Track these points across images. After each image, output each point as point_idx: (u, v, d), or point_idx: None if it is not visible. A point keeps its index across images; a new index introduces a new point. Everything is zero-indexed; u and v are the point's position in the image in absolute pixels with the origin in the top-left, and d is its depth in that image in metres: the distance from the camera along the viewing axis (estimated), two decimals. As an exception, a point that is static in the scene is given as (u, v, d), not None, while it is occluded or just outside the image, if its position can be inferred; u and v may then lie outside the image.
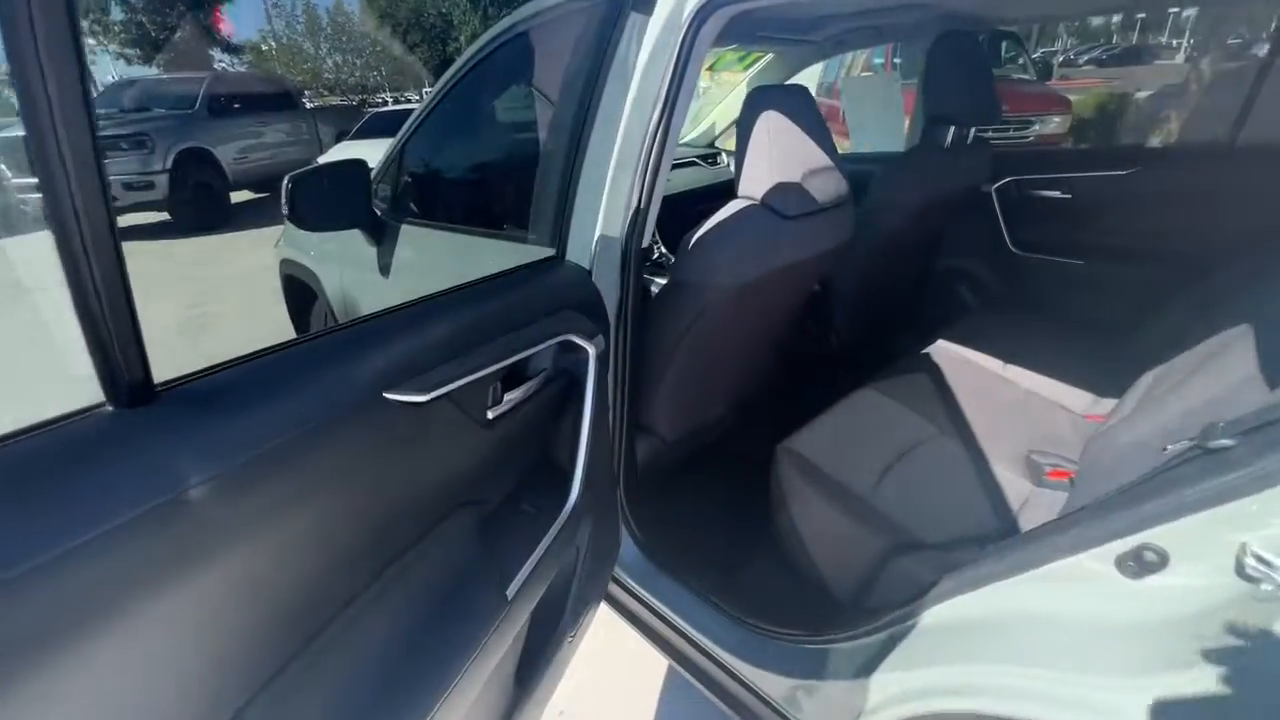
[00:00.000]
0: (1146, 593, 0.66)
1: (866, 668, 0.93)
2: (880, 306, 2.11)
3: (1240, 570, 0.58)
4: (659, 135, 1.06)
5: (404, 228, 1.71)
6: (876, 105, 2.46)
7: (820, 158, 1.24)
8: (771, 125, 1.18)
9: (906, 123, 2.20)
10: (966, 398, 1.56)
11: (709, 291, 1.24)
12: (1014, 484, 1.30)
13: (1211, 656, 0.61)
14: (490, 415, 0.82)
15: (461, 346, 0.76)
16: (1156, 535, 0.63)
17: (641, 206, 1.10)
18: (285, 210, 1.53)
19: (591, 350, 0.93)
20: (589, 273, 1.09)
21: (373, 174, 1.93)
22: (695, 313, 1.28)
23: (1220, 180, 1.72)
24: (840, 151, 2.16)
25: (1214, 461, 0.65)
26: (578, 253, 1.11)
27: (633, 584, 1.37)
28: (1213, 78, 7.38)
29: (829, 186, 1.26)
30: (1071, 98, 7.41)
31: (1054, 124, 6.82)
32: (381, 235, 1.79)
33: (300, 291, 2.45)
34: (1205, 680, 0.61)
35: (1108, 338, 1.86)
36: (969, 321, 1.92)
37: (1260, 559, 0.56)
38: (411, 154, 1.75)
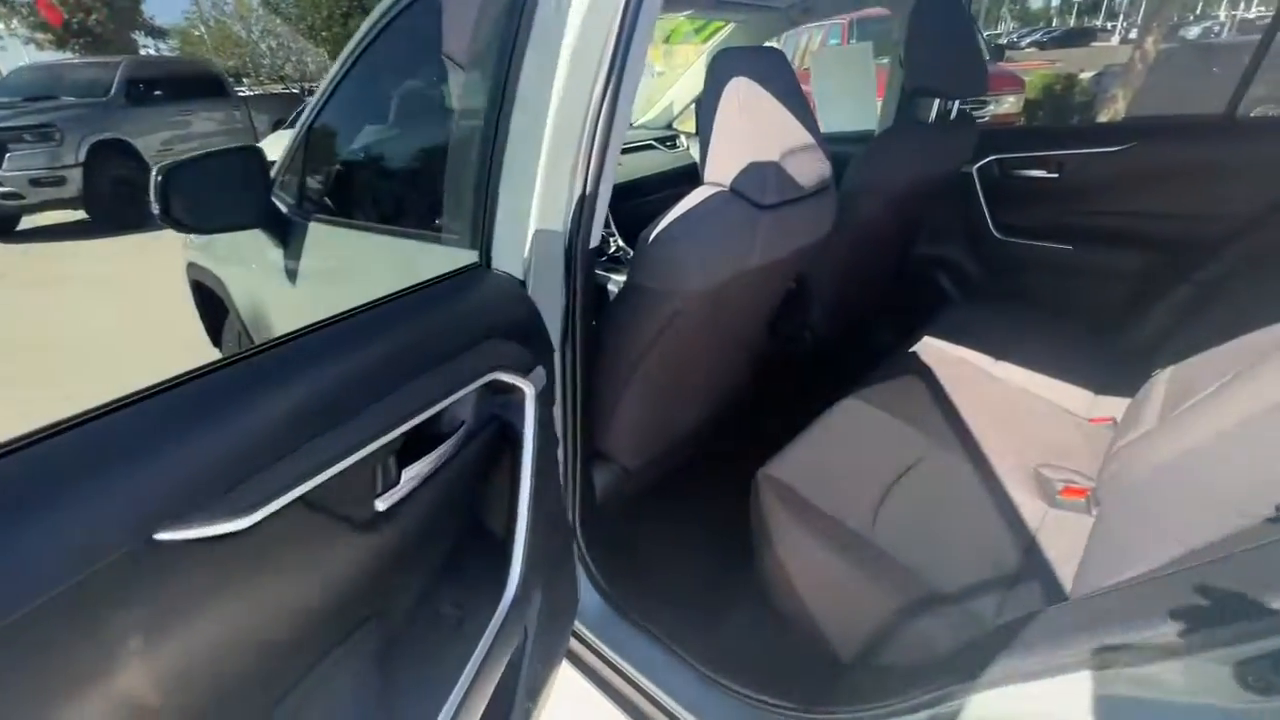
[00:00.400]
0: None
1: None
2: (858, 301, 1.94)
3: None
4: (604, 109, 0.84)
5: (312, 226, 1.45)
6: (848, 80, 2.28)
7: (800, 134, 1.04)
8: (742, 95, 0.97)
9: (879, 105, 2.03)
10: (960, 402, 1.40)
11: (676, 298, 1.03)
12: (1027, 505, 1.14)
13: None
14: (381, 506, 0.59)
15: (330, 413, 0.53)
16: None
17: (586, 194, 0.88)
18: (156, 209, 1.26)
19: (529, 389, 0.71)
20: (522, 283, 0.87)
21: (278, 163, 1.65)
22: (660, 323, 1.07)
23: (1219, 155, 1.60)
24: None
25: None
26: (507, 257, 0.88)
27: (595, 640, 1.16)
28: (1157, 57, 7.50)
29: (811, 168, 1.07)
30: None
31: (1008, 104, 6.83)
32: (287, 235, 1.52)
33: (212, 304, 2.15)
34: None
35: (1102, 328, 1.72)
36: (953, 314, 1.76)
37: None
38: (316, 140, 1.49)
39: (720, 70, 0.98)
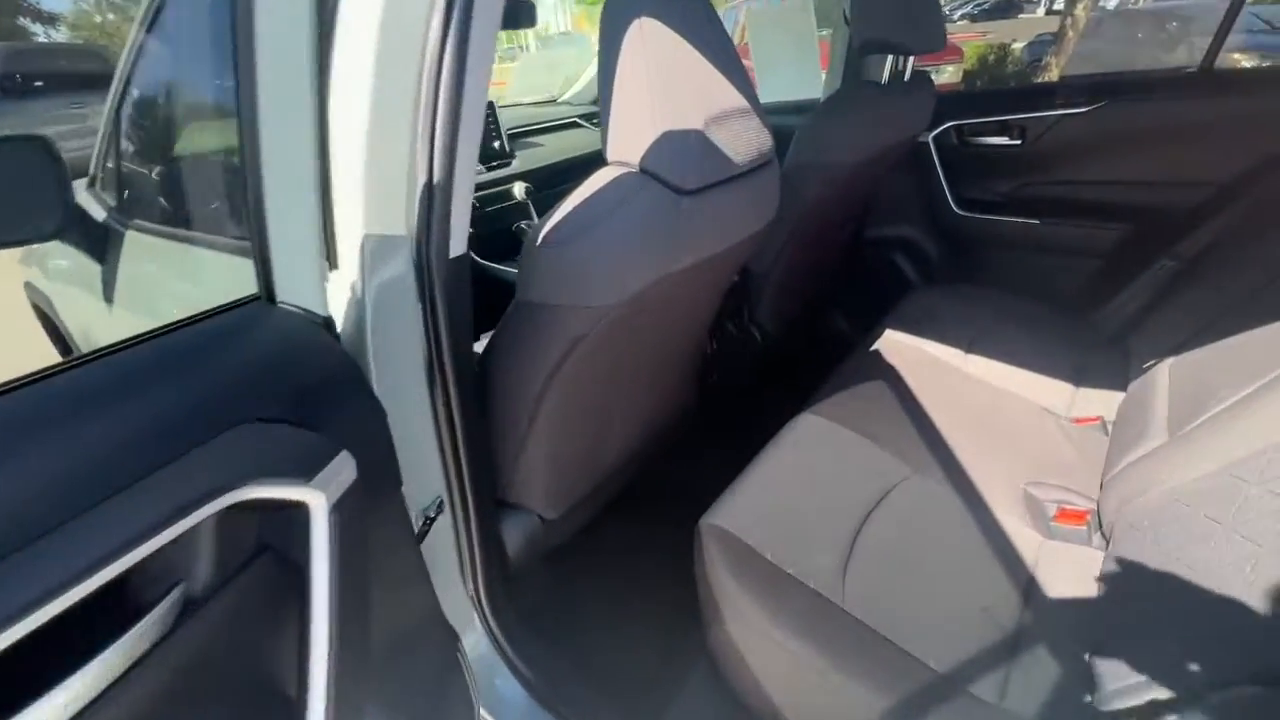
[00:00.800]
0: None
1: None
2: (809, 292, 1.73)
3: None
4: (445, 72, 0.59)
5: (129, 234, 1.14)
6: (786, 41, 2.05)
7: (730, 94, 0.80)
8: (649, 45, 0.73)
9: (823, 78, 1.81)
10: (932, 409, 1.20)
11: (578, 317, 0.79)
12: (1020, 538, 0.95)
13: None
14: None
15: None
16: None
17: (435, 186, 0.63)
18: None
19: (316, 501, 0.45)
20: (326, 321, 0.61)
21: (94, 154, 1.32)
22: (561, 348, 0.83)
23: (1199, 112, 1.43)
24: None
25: None
26: (301, 285, 0.61)
27: None
28: (1088, 23, 7.58)
29: (747, 139, 0.83)
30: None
31: (948, 73, 6.76)
32: (105, 246, 1.20)
33: (54, 333, 1.79)
34: None
35: (1076, 311, 1.56)
36: (915, 302, 1.57)
37: None
38: (125, 127, 1.17)
39: (617, 12, 0.73)
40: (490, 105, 1.73)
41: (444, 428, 0.77)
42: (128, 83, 1.12)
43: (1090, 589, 0.86)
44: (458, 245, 0.68)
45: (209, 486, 0.38)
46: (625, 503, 1.25)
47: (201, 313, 0.53)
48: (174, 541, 0.37)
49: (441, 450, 0.80)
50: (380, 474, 0.59)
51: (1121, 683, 0.71)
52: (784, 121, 1.40)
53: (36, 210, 1.12)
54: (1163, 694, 0.68)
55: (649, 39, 0.72)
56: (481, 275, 1.32)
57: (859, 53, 1.33)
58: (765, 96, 1.02)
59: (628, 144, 0.75)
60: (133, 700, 0.34)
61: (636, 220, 0.74)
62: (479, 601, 0.93)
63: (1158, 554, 0.80)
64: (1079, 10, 7.66)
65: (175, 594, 0.37)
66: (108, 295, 1.19)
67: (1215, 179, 1.41)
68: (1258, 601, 0.66)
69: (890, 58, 1.36)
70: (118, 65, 1.17)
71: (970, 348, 1.39)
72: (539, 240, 0.75)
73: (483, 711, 0.94)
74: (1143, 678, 0.70)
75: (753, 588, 0.85)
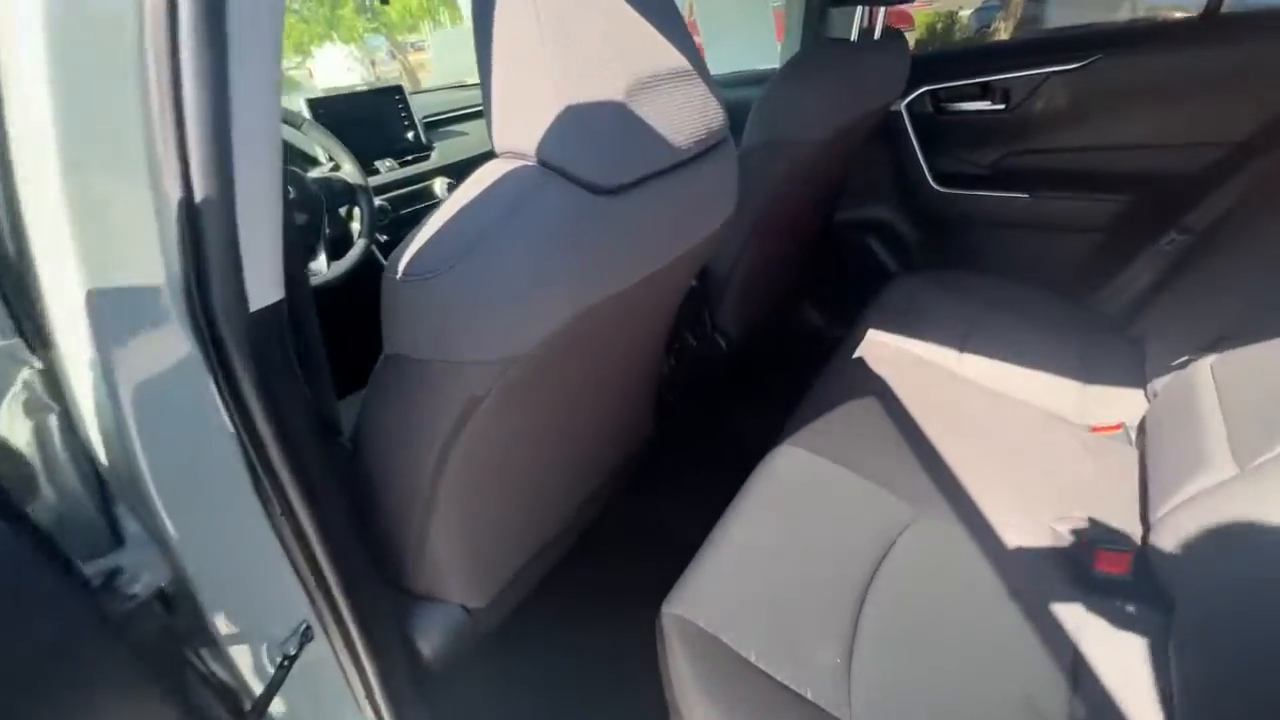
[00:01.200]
0: None
1: None
2: (778, 288, 1.53)
3: None
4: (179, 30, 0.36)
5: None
6: (739, 4, 1.83)
7: (662, 55, 0.58)
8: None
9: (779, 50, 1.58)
10: (930, 427, 1.02)
11: (469, 371, 0.56)
12: (1059, 596, 0.77)
13: None
14: None
15: None
16: None
17: (202, 213, 0.40)
18: None
19: None
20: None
21: None
22: (454, 411, 0.60)
23: (1205, 63, 1.26)
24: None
25: None
26: None
27: None
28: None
29: (688, 115, 0.61)
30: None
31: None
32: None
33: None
34: None
35: (1074, 296, 1.40)
36: (895, 293, 1.38)
37: None
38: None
39: None
40: (399, 90, 1.48)
41: (290, 540, 0.55)
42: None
43: (1147, 663, 0.69)
44: (264, 291, 0.46)
45: None
46: (576, 566, 1.03)
47: None
48: None
49: (294, 565, 0.58)
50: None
51: None
52: (739, 95, 1.18)
53: None
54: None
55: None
56: None
57: (823, 3, 1.11)
58: (715, 68, 0.80)
59: (519, 128, 0.52)
60: None
61: (537, 233, 0.52)
62: None
63: (1245, 623, 0.63)
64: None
65: None
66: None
67: (1227, 138, 1.24)
68: None
69: (859, 10, 1.15)
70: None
71: (964, 345, 1.21)
72: (399, 271, 0.52)
73: None
74: None
75: (727, 698, 0.65)
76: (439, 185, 1.42)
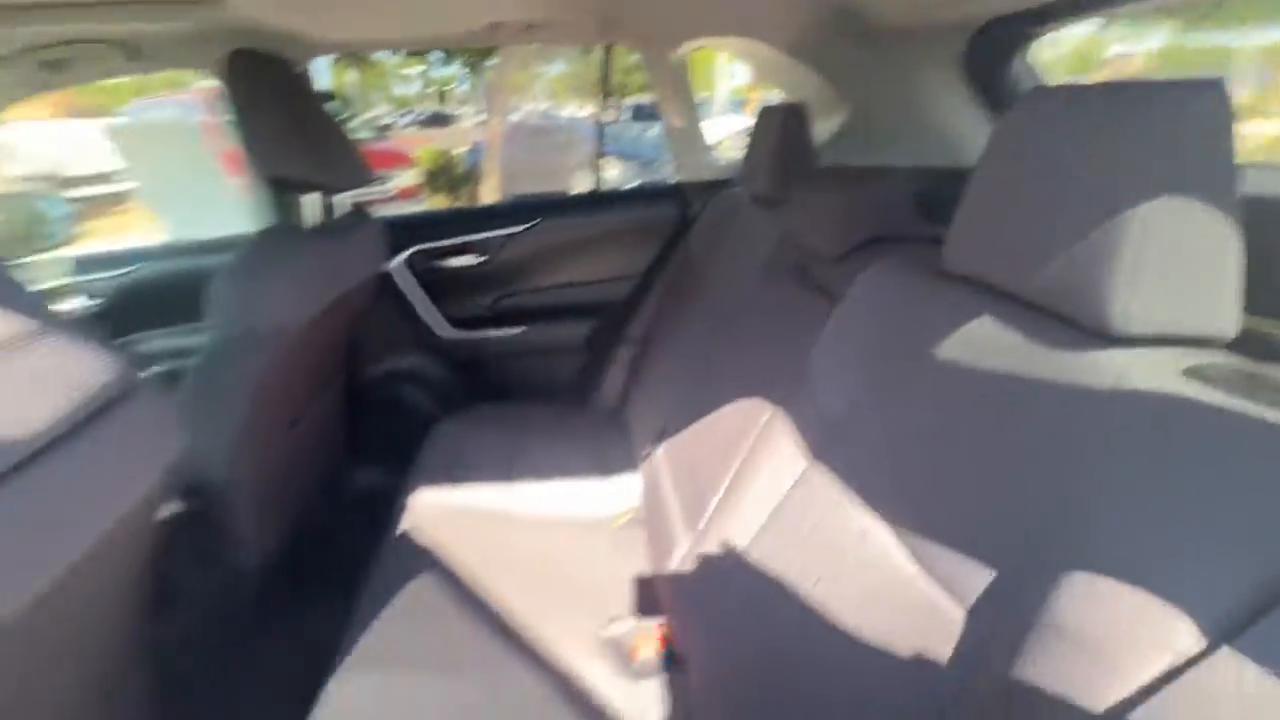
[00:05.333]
0: None
1: None
2: (309, 477, 1.38)
3: None
4: None
5: None
6: (181, 167, 1.61)
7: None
8: None
9: (238, 190, 1.48)
10: (488, 579, 1.04)
11: None
12: (606, 697, 0.86)
13: None
14: None
15: None
16: None
17: None
18: None
19: None
20: None
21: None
22: None
23: (601, 224, 1.73)
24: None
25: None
26: None
27: None
28: (505, 134, 9.23)
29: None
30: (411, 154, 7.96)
31: (409, 176, 7.18)
32: None
33: None
34: None
35: (574, 405, 1.68)
36: (437, 443, 1.41)
37: None
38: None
39: None
40: None
41: None
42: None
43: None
44: None
45: None
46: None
47: None
48: None
49: None
50: None
51: None
52: (203, 265, 1.02)
53: None
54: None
55: None
56: None
57: (270, 191, 1.08)
58: (174, 233, 0.66)
59: None
60: None
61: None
62: None
63: (740, 657, 0.80)
64: (494, 125, 9.30)
65: None
66: None
67: (630, 273, 1.72)
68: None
69: (318, 194, 1.15)
70: None
71: (510, 474, 1.30)
72: None
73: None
74: None
75: None
76: None
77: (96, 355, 0.52)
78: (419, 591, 1.00)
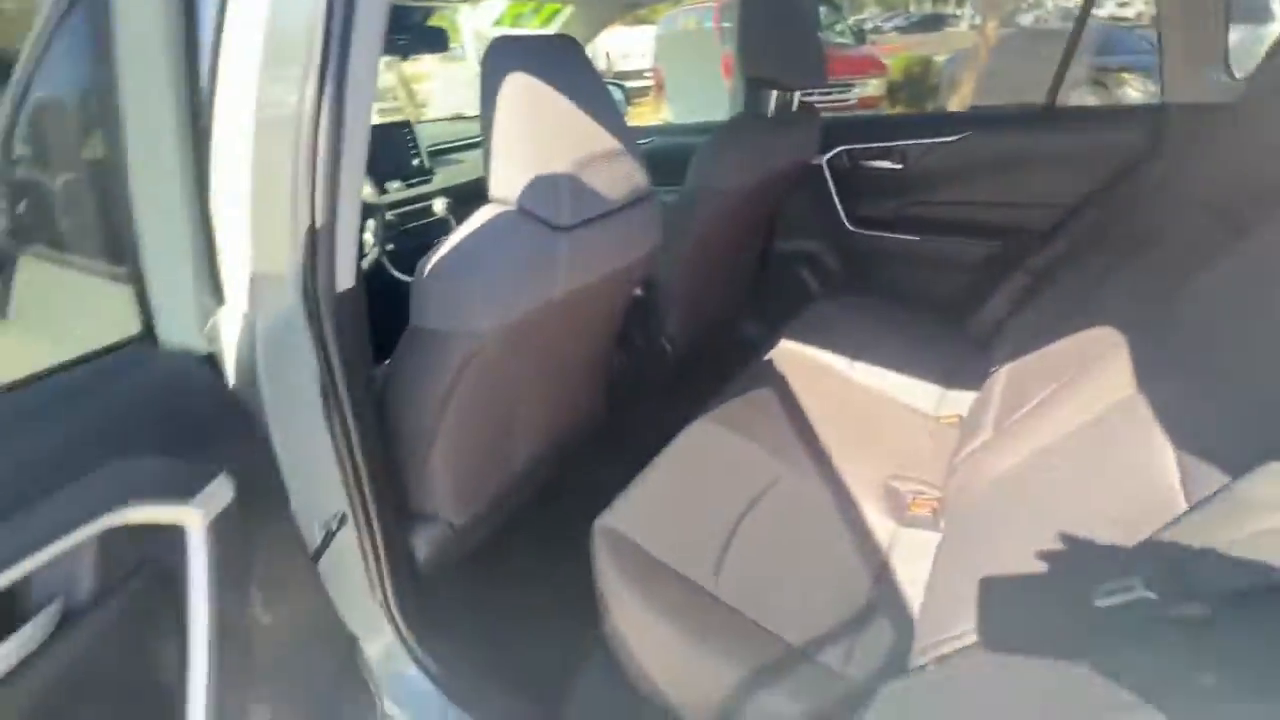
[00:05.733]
0: None
1: None
2: (720, 303, 1.84)
3: None
4: (324, 112, 0.65)
5: (21, 259, 1.14)
6: (695, 66, 2.17)
7: (602, 138, 0.89)
8: (523, 95, 0.81)
9: (728, 86, 1.93)
10: (814, 413, 1.33)
11: (466, 339, 0.86)
12: (878, 526, 1.08)
13: None
14: None
15: None
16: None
17: (318, 225, 0.69)
18: None
19: (194, 516, 0.51)
20: (209, 357, 0.66)
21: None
22: (454, 368, 0.89)
23: (1042, 144, 1.63)
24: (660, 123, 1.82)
25: (1183, 640, 0.40)
26: (181, 323, 0.67)
27: None
28: (997, 41, 8.11)
29: (619, 178, 0.92)
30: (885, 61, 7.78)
31: (872, 86, 7.12)
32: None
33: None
34: None
35: (948, 320, 1.73)
36: (813, 312, 1.71)
37: None
38: (16, 142, 1.16)
39: (495, 64, 0.81)
40: (407, 124, 1.78)
41: (342, 449, 0.83)
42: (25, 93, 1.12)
43: (925, 571, 1.00)
44: (345, 279, 0.74)
45: (83, 513, 0.44)
46: (535, 508, 1.32)
47: (83, 355, 0.57)
48: (53, 562, 0.43)
49: (341, 468, 0.85)
50: (264, 494, 0.65)
51: (938, 636, 0.83)
52: (692, 142, 1.51)
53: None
54: (970, 639, 0.80)
55: (522, 92, 0.80)
56: (398, 289, 1.37)
57: (748, 89, 1.45)
58: (678, 116, 1.11)
59: (506, 185, 0.83)
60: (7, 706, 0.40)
61: (512, 254, 0.82)
62: (388, 606, 0.99)
63: (978, 533, 0.94)
64: (989, 29, 8.20)
65: (53, 607, 0.43)
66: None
67: (1056, 203, 1.60)
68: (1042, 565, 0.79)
69: (775, 91, 1.48)
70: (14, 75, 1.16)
71: (857, 355, 1.53)
72: (426, 272, 0.82)
73: (392, 707, 1.00)
74: (956, 630, 0.82)
75: (637, 580, 0.94)
76: (439, 205, 1.69)
77: (640, 170, 0.96)
78: (763, 397, 1.36)
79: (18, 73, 1.10)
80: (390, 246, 1.54)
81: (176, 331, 0.66)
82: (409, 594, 1.01)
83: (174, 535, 0.50)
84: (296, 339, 0.74)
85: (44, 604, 0.42)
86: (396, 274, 1.38)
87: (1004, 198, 1.71)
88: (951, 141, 1.70)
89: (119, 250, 0.78)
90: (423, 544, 1.09)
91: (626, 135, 0.94)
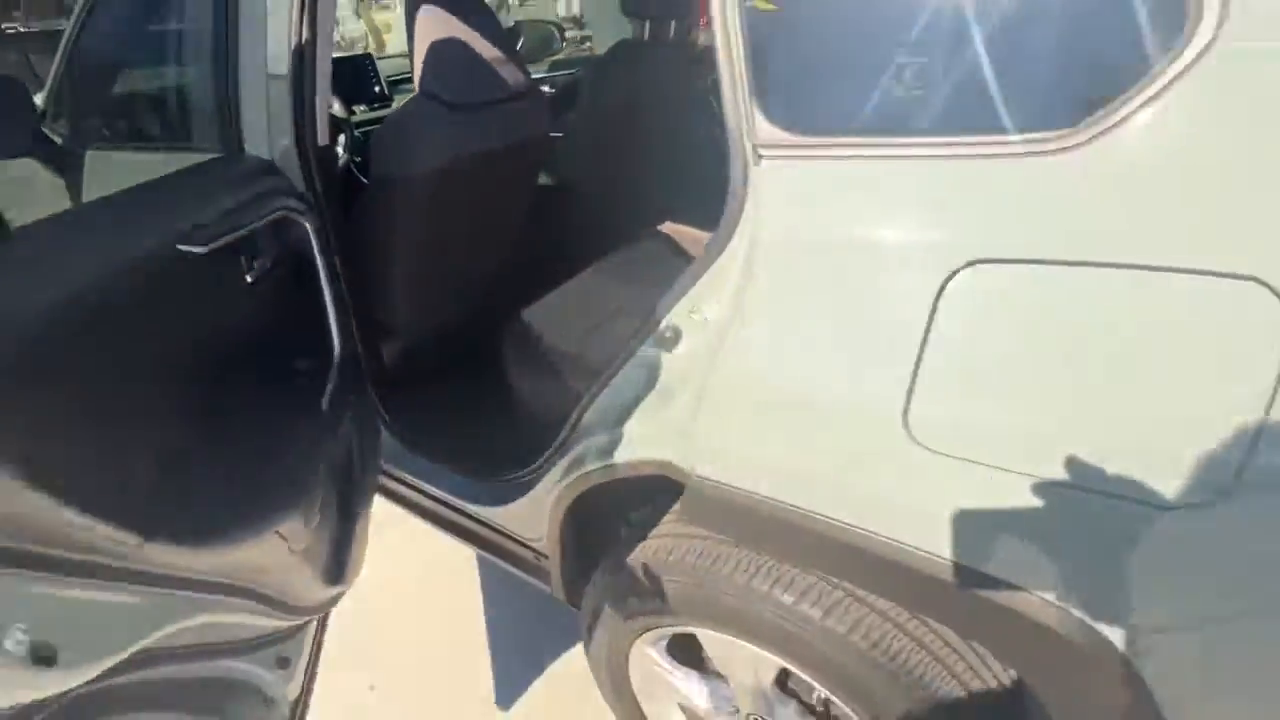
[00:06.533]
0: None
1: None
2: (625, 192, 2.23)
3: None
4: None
5: (89, 156, 1.57)
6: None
7: (488, 49, 1.33)
8: (430, 18, 1.25)
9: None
10: None
11: (398, 186, 1.32)
12: None
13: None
14: (249, 279, 1.01)
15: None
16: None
17: (308, 98, 1.12)
18: None
19: (309, 223, 1.07)
20: (269, 164, 1.15)
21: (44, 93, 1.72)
22: (395, 209, 1.35)
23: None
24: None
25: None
26: (259, 142, 1.17)
27: (389, 467, 1.49)
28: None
29: (503, 78, 1.37)
30: None
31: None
32: (63, 166, 1.63)
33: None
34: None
35: None
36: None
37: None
38: (80, 64, 1.59)
39: (412, 4, 1.25)
40: (369, 57, 2.20)
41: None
42: (79, 30, 1.53)
43: None
44: (323, 137, 1.19)
45: (273, 206, 0.99)
46: (468, 335, 1.76)
47: (207, 160, 1.10)
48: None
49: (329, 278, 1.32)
50: (326, 235, 1.15)
51: None
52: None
53: (6, 132, 1.54)
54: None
55: (430, 16, 1.25)
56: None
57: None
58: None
59: (421, 79, 1.28)
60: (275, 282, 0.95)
61: (418, 124, 1.29)
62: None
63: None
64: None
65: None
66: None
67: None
68: None
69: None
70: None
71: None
72: (374, 138, 1.28)
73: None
74: None
75: (528, 352, 1.43)
76: None
77: (521, 72, 1.41)
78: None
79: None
80: (358, 159, 1.97)
81: (253, 148, 1.17)
82: (376, 369, 1.45)
83: (301, 234, 1.07)
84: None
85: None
86: (363, 179, 1.80)
87: None
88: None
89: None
90: (387, 349, 1.56)
91: (512, 50, 1.38)
